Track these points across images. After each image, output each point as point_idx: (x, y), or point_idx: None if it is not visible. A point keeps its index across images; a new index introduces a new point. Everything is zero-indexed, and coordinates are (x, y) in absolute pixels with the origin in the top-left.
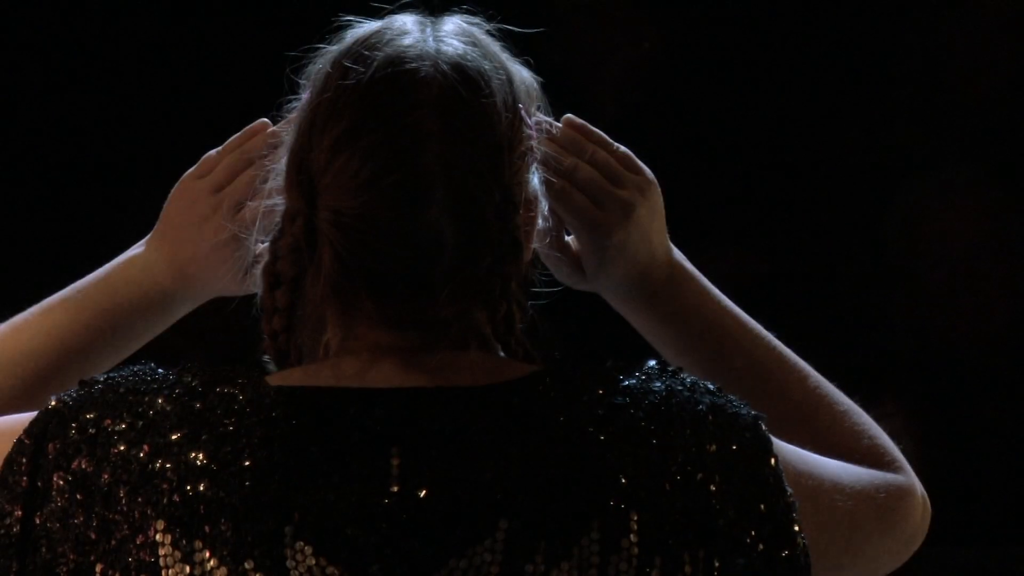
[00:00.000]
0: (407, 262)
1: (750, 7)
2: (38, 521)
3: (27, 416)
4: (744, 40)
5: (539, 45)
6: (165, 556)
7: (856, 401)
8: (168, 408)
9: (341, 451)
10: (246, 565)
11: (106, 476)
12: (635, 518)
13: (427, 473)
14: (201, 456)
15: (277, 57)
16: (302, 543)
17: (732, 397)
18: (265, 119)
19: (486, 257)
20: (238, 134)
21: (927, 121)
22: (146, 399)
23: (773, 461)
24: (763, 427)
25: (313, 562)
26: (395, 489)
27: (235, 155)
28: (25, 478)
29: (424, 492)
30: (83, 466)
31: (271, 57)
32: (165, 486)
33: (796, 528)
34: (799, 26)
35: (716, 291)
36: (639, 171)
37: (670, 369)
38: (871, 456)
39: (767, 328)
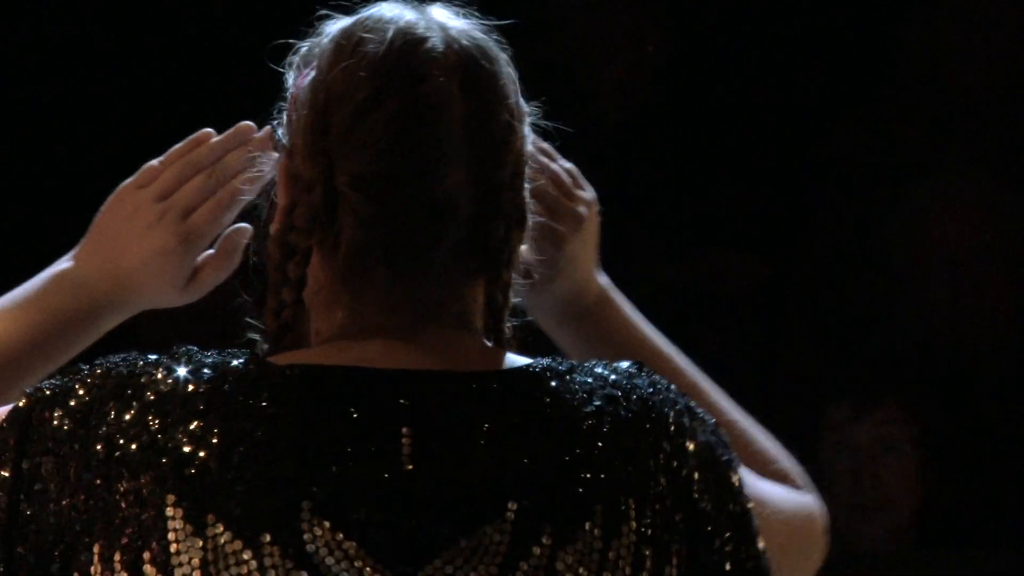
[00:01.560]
0: (426, 224)
1: (753, 10)
2: (26, 508)
3: (2, 409)
4: (747, 43)
5: (541, 47)
6: (175, 531)
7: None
8: (175, 388)
9: (353, 429)
10: (262, 539)
11: (102, 453)
12: (633, 506)
13: (438, 453)
14: (212, 431)
15: (253, 65)
16: (319, 518)
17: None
18: (209, 129)
19: (499, 225)
20: (181, 143)
21: (931, 126)
22: (142, 380)
23: (736, 465)
24: (724, 433)
25: (330, 536)
26: (409, 468)
27: (181, 163)
28: (9, 466)
29: (435, 472)
30: (76, 448)
31: (245, 65)
32: (173, 461)
33: (758, 531)
34: (803, 30)
35: (640, 317)
36: (585, 186)
37: (645, 369)
38: (784, 478)
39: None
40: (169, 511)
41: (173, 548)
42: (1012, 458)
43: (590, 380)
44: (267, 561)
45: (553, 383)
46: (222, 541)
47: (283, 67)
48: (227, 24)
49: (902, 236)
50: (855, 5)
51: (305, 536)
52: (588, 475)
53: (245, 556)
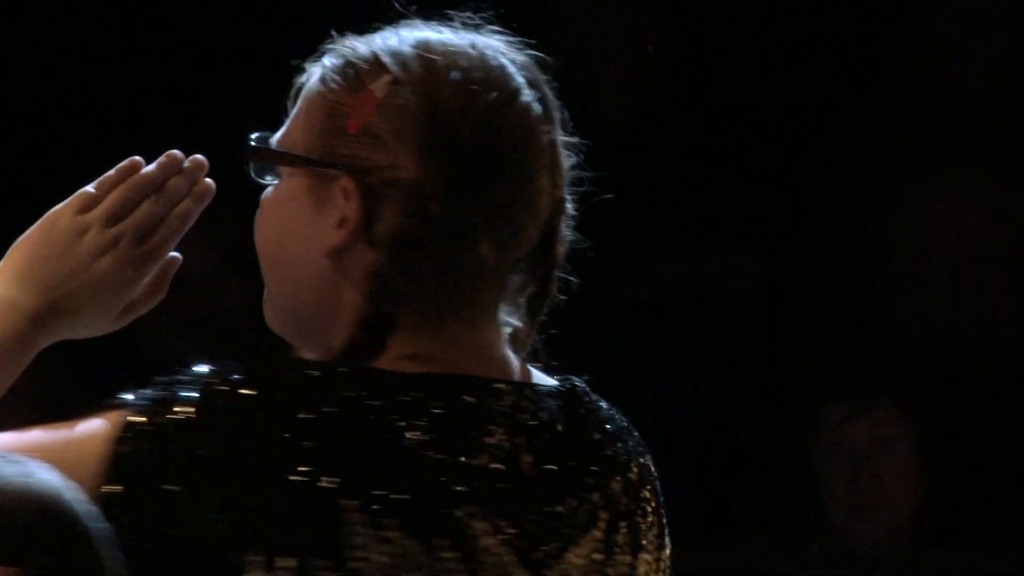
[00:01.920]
0: (525, 231)
1: (753, 10)
2: (164, 519)
3: (99, 426)
4: (747, 43)
5: (541, 47)
6: (358, 534)
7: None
8: (314, 395)
9: (485, 438)
10: (440, 542)
11: (253, 463)
12: (666, 521)
13: (545, 463)
14: (373, 436)
15: (253, 65)
16: (482, 522)
17: None
18: (137, 157)
19: (560, 228)
20: (111, 171)
21: (931, 126)
22: (280, 389)
23: None
24: None
25: (493, 541)
26: (529, 477)
27: (126, 188)
28: (148, 483)
29: (546, 481)
30: (222, 461)
31: (245, 65)
32: (347, 468)
33: None
34: (803, 30)
35: None
36: None
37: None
38: None
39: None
40: (352, 516)
41: (357, 553)
42: (1012, 458)
43: (596, 399)
44: (446, 565)
45: (587, 399)
46: (402, 544)
47: (285, 77)
48: (227, 24)
49: (902, 236)
50: (855, 5)
51: (479, 540)
52: (643, 488)
53: (425, 560)
